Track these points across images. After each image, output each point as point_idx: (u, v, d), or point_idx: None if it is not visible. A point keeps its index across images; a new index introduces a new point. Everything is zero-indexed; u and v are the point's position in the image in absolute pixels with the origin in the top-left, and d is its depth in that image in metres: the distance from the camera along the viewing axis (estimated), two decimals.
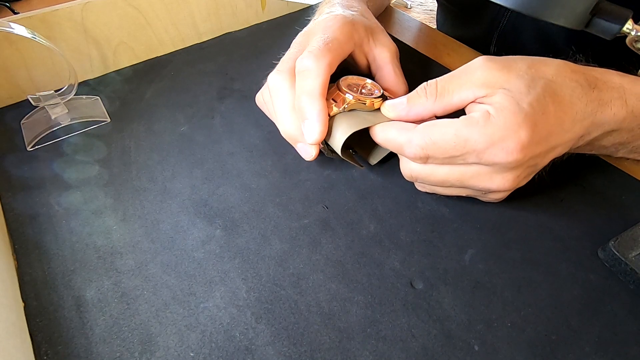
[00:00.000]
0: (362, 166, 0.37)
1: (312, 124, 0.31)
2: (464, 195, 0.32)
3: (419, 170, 0.31)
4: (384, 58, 0.38)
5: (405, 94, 0.37)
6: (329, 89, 0.33)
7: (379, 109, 0.33)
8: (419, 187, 0.35)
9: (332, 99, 0.33)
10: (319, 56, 0.32)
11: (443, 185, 0.31)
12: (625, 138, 0.31)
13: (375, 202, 0.35)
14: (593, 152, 0.34)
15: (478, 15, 0.58)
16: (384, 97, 0.33)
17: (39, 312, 0.28)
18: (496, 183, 0.29)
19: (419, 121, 0.30)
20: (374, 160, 0.38)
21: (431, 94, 0.30)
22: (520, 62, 0.29)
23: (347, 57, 0.36)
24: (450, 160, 0.28)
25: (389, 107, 0.32)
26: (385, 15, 0.60)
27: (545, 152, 0.28)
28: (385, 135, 0.31)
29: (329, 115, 0.32)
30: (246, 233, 0.33)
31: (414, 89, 0.31)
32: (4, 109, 0.43)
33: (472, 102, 0.29)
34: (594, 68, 0.31)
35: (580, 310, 0.29)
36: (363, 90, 0.34)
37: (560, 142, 0.28)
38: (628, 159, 0.36)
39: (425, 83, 0.31)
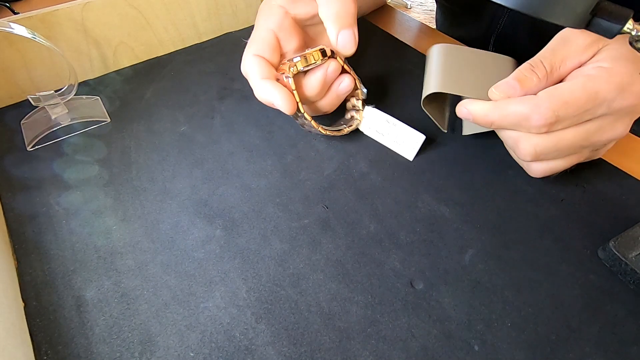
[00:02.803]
0: (445, 130, 0.40)
1: (281, 106, 0.33)
2: (579, 161, 0.33)
3: (545, 142, 0.30)
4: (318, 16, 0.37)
5: (338, 32, 0.35)
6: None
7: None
8: (536, 170, 0.33)
9: (282, 72, 0.35)
10: (250, 62, 0.35)
11: (568, 153, 0.31)
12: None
13: (375, 202, 0.35)
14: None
15: (477, 15, 0.58)
16: (323, 51, 0.35)
17: (39, 312, 0.28)
18: (619, 130, 0.30)
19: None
20: (468, 131, 0.39)
21: (543, 74, 0.30)
22: (602, 39, 0.31)
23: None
24: (579, 117, 0.29)
25: (500, 91, 0.31)
26: (385, 15, 0.60)
27: None
28: (504, 111, 0.30)
29: (289, 76, 0.34)
30: (246, 233, 0.33)
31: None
32: (4, 109, 0.43)
33: (576, 67, 0.31)
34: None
35: (580, 310, 0.29)
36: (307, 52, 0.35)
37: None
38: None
39: (528, 63, 0.31)
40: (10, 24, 0.36)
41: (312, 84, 0.35)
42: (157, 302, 0.29)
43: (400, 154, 0.39)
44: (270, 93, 0.33)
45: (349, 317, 0.28)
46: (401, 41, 0.54)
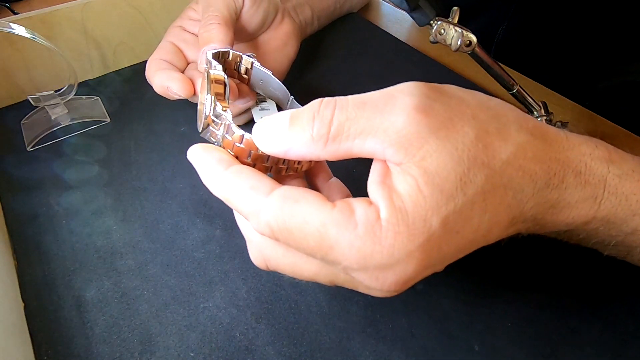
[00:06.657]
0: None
1: (177, 88, 0.35)
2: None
3: (270, 249, 0.22)
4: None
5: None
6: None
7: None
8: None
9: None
10: (148, 64, 0.39)
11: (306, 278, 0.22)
12: (594, 238, 0.24)
13: None
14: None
15: (479, 15, 0.58)
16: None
17: (39, 312, 0.28)
18: (376, 295, 0.21)
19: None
20: None
21: (320, 134, 0.19)
22: (467, 126, 0.19)
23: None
24: (308, 254, 0.19)
25: (263, 133, 0.21)
26: (384, 15, 0.60)
27: (445, 264, 0.21)
28: (223, 194, 0.20)
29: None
30: None
31: None
32: (4, 109, 0.43)
33: (380, 157, 0.20)
34: (580, 141, 0.21)
35: (580, 310, 0.29)
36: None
37: (472, 248, 0.21)
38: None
39: (320, 105, 0.19)
40: (10, 24, 0.36)
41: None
42: (157, 302, 0.29)
43: None
44: (165, 78, 0.35)
45: (348, 316, 0.28)
46: (401, 41, 0.54)
